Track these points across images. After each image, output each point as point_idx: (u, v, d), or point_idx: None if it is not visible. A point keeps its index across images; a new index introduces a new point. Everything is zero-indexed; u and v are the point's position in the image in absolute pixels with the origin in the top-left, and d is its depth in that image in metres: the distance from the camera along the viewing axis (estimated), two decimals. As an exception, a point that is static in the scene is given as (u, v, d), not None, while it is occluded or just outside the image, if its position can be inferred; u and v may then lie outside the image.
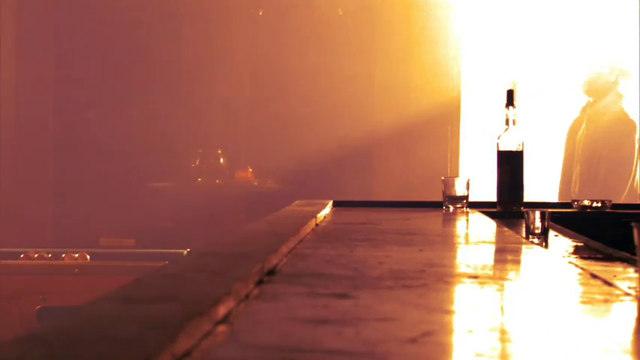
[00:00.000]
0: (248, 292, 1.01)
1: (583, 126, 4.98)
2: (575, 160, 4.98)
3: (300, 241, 1.63)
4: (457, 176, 3.95)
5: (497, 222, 2.22)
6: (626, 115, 4.90)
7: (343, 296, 1.01)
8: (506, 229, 2.03)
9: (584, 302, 1.02)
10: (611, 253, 1.67)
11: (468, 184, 2.64)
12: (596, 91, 4.97)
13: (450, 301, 1.06)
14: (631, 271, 1.38)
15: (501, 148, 2.66)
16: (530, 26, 5.48)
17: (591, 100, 5.00)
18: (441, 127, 5.53)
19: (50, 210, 5.50)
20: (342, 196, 3.01)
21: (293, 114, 5.51)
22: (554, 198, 5.22)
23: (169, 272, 1.07)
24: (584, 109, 5.07)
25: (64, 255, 4.40)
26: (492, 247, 1.70)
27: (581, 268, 1.29)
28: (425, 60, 5.49)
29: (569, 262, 1.39)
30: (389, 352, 0.75)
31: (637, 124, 4.89)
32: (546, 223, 1.89)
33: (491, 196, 2.71)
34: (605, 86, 4.94)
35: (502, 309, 1.02)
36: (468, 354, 0.74)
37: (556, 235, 2.03)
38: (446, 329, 0.86)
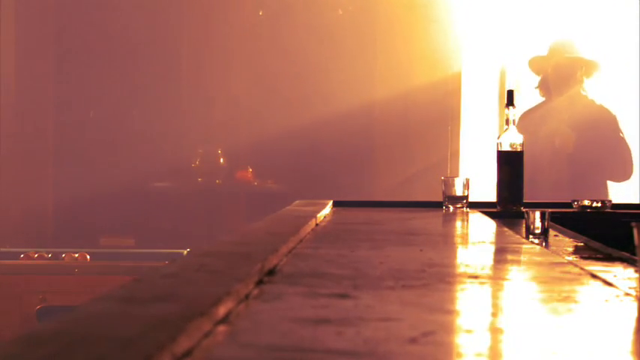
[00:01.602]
0: (248, 292, 1.01)
1: (554, 123, 4.71)
2: (548, 159, 4.75)
3: (300, 241, 1.63)
4: (457, 176, 3.94)
5: (497, 222, 2.22)
6: (606, 109, 4.70)
7: (344, 296, 1.01)
8: (506, 229, 2.03)
9: (584, 302, 1.02)
10: (611, 253, 1.67)
11: (467, 184, 2.64)
12: (562, 86, 4.72)
13: (451, 301, 1.06)
14: (631, 271, 1.38)
15: (501, 148, 2.66)
16: (528, 24, 5.47)
17: (550, 97, 4.77)
18: (441, 127, 5.53)
19: (50, 210, 5.50)
20: (342, 196, 3.01)
21: (293, 114, 5.51)
22: (554, 198, 5.17)
23: (169, 272, 1.07)
24: (541, 105, 4.82)
25: (64, 255, 4.40)
26: (492, 247, 1.69)
27: (581, 268, 1.29)
28: (425, 60, 5.49)
29: (569, 262, 1.39)
30: (389, 351, 0.75)
31: (616, 115, 4.68)
32: (546, 223, 1.89)
33: (491, 196, 2.71)
34: (572, 81, 4.71)
35: (502, 309, 1.02)
36: (468, 354, 0.74)
37: (556, 235, 2.03)
38: (446, 329, 0.86)
